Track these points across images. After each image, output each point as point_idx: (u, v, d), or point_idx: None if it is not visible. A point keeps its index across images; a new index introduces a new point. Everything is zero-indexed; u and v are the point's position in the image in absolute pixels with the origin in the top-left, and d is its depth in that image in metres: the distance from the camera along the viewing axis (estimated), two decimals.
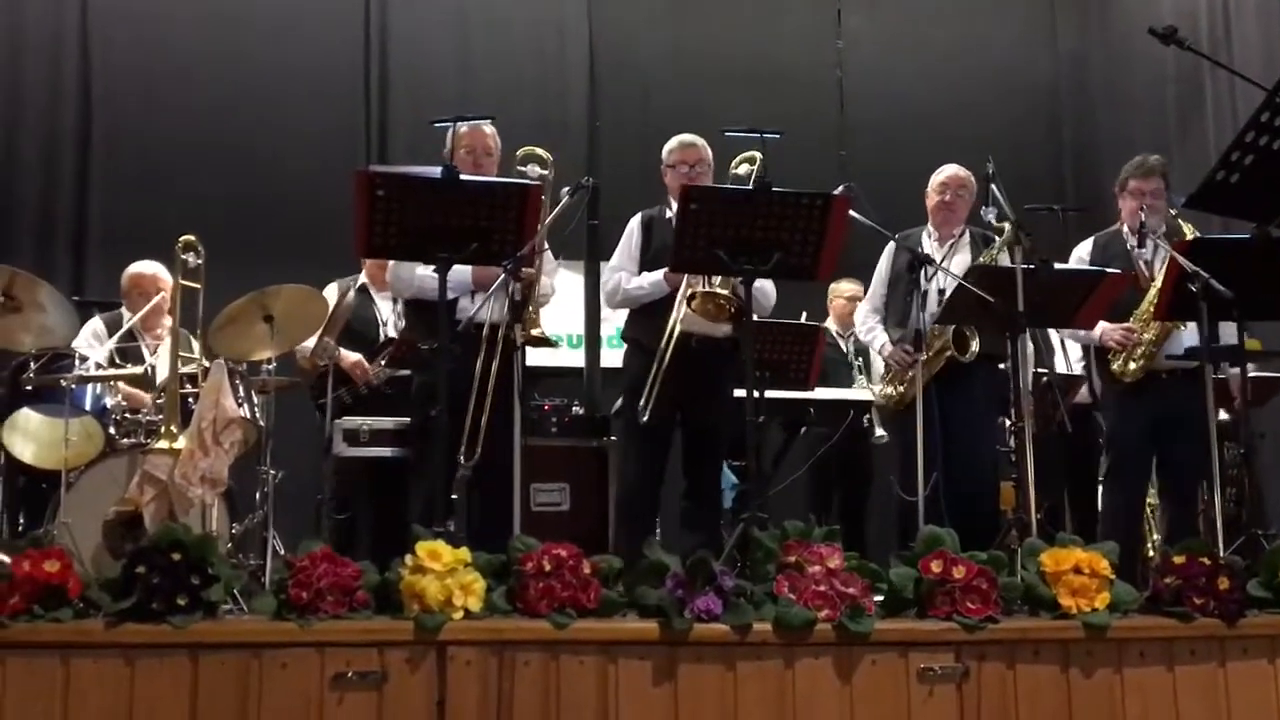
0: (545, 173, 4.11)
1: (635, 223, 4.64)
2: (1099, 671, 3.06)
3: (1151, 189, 4.72)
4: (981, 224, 4.68)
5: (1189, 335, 4.55)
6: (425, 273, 4.18)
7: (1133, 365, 4.62)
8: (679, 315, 4.31)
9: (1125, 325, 4.61)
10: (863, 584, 3.06)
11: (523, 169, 4.14)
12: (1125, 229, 4.79)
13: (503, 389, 3.88)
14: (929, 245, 4.83)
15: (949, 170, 4.98)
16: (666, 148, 4.67)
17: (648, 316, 4.48)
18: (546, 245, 4.23)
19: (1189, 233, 4.59)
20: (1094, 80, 8.08)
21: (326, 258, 5.65)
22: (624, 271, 4.56)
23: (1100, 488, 5.03)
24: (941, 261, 4.56)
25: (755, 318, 4.80)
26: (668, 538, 4.56)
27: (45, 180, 6.91)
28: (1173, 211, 4.69)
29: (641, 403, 4.27)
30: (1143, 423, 4.65)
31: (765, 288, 4.45)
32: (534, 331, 3.97)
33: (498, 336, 3.92)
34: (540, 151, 4.19)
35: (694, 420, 4.48)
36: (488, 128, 4.35)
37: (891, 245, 4.90)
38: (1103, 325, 4.57)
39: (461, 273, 3.92)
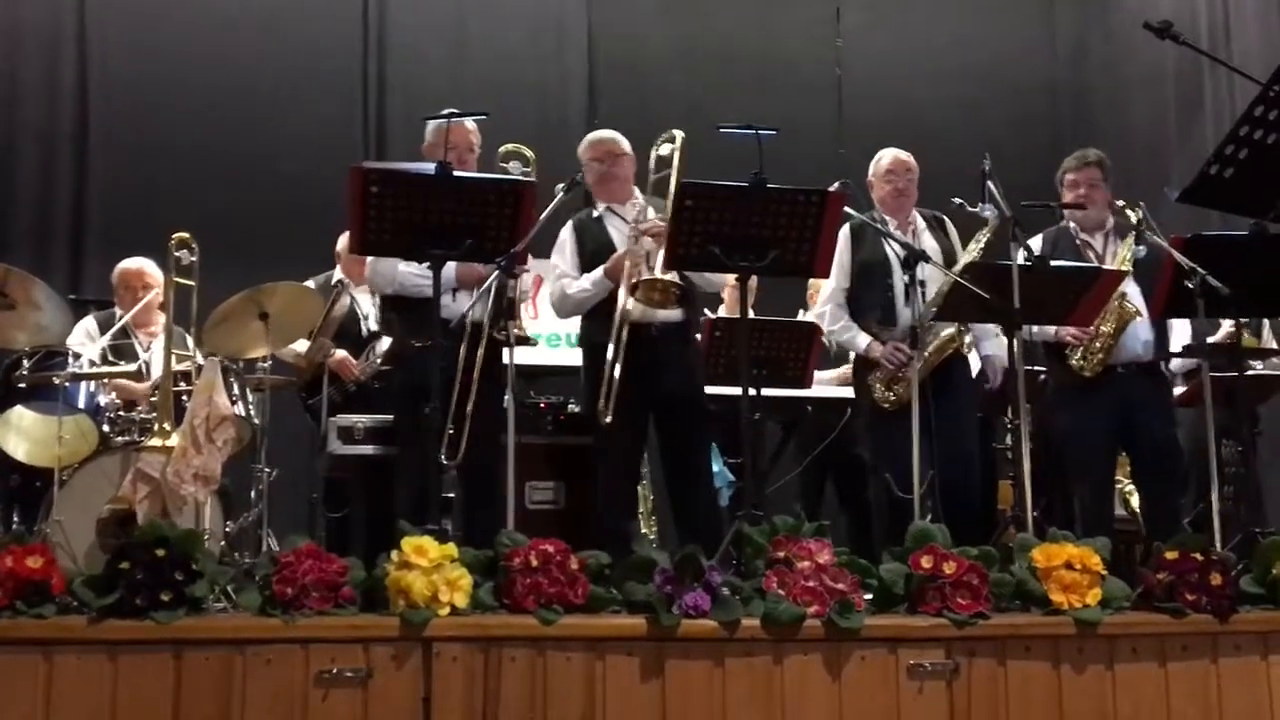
0: (528, 170, 4.08)
1: (567, 229, 4.55)
2: (1090, 668, 3.03)
3: (1086, 179, 4.71)
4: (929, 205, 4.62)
5: (1144, 328, 4.53)
6: (407, 269, 4.15)
7: (1092, 359, 4.53)
8: (624, 307, 4.18)
9: None
10: (852, 579, 3.04)
11: (505, 166, 4.12)
12: (1072, 224, 4.75)
13: (492, 387, 3.86)
14: None
15: (890, 155, 4.85)
16: (580, 147, 4.58)
17: (602, 315, 4.34)
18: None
19: (1136, 221, 4.54)
20: (1093, 77, 8.05)
21: (323, 256, 5.67)
22: (566, 278, 4.45)
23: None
24: None
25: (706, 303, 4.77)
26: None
27: (42, 178, 6.92)
28: (1119, 203, 4.65)
29: (600, 404, 4.11)
30: (1103, 418, 4.56)
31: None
32: (516, 330, 3.95)
33: (482, 334, 3.90)
34: (523, 149, 4.16)
35: (669, 406, 4.38)
36: (469, 123, 4.30)
37: (845, 234, 4.65)
38: None
39: (444, 269, 3.90)
